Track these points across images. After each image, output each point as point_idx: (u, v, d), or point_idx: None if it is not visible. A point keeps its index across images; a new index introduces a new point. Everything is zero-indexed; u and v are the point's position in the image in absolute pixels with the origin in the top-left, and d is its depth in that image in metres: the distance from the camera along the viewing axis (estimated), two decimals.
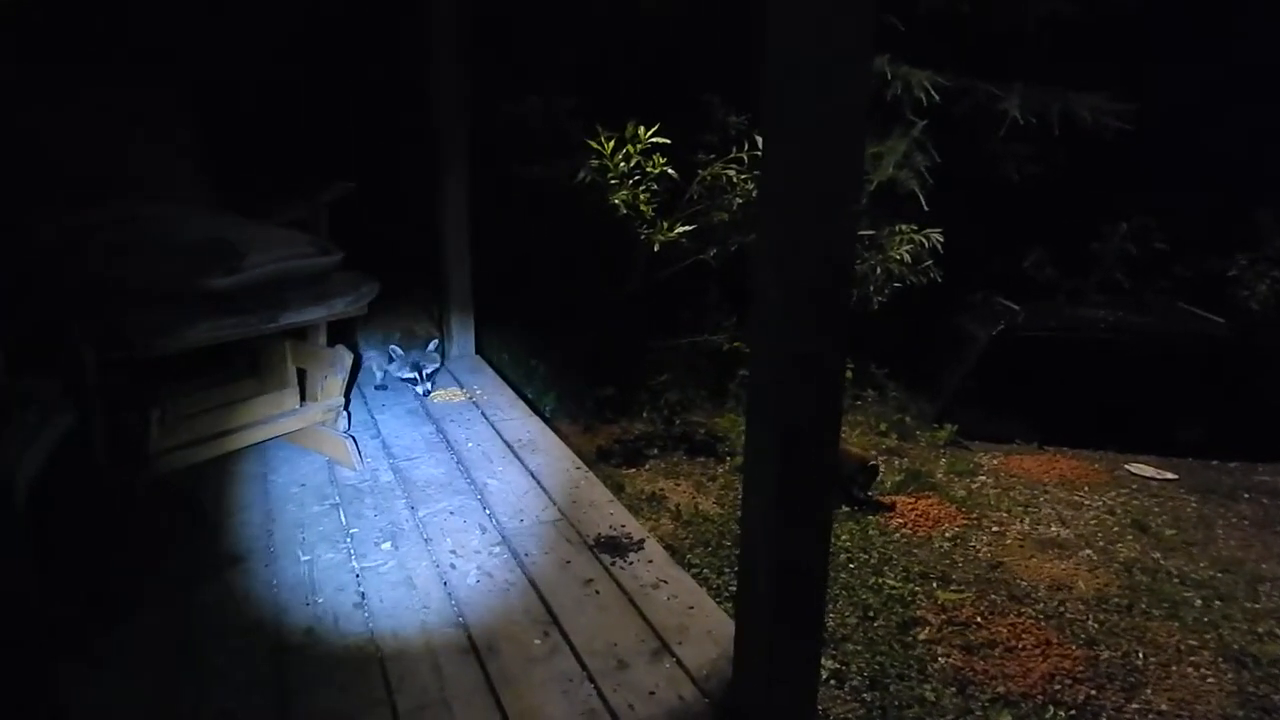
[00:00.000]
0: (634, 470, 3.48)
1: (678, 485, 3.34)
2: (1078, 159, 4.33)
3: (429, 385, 3.30)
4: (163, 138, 2.99)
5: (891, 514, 3.14)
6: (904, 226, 3.73)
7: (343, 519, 2.42)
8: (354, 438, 2.83)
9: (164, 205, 2.69)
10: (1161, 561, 2.92)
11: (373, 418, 3.14)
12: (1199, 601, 2.67)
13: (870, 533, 2.99)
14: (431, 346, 3.33)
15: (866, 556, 2.83)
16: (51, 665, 1.74)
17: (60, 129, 2.73)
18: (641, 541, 2.33)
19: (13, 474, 1.76)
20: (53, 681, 1.71)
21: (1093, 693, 2.22)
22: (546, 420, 3.25)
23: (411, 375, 3.27)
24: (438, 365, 3.35)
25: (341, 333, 2.99)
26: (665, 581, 2.14)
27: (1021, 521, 3.18)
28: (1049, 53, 4.23)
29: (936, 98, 3.89)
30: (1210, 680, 2.30)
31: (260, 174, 3.35)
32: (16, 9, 2.80)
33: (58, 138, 2.71)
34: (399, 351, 3.25)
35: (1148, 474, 3.72)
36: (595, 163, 3.35)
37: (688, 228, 3.46)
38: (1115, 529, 3.16)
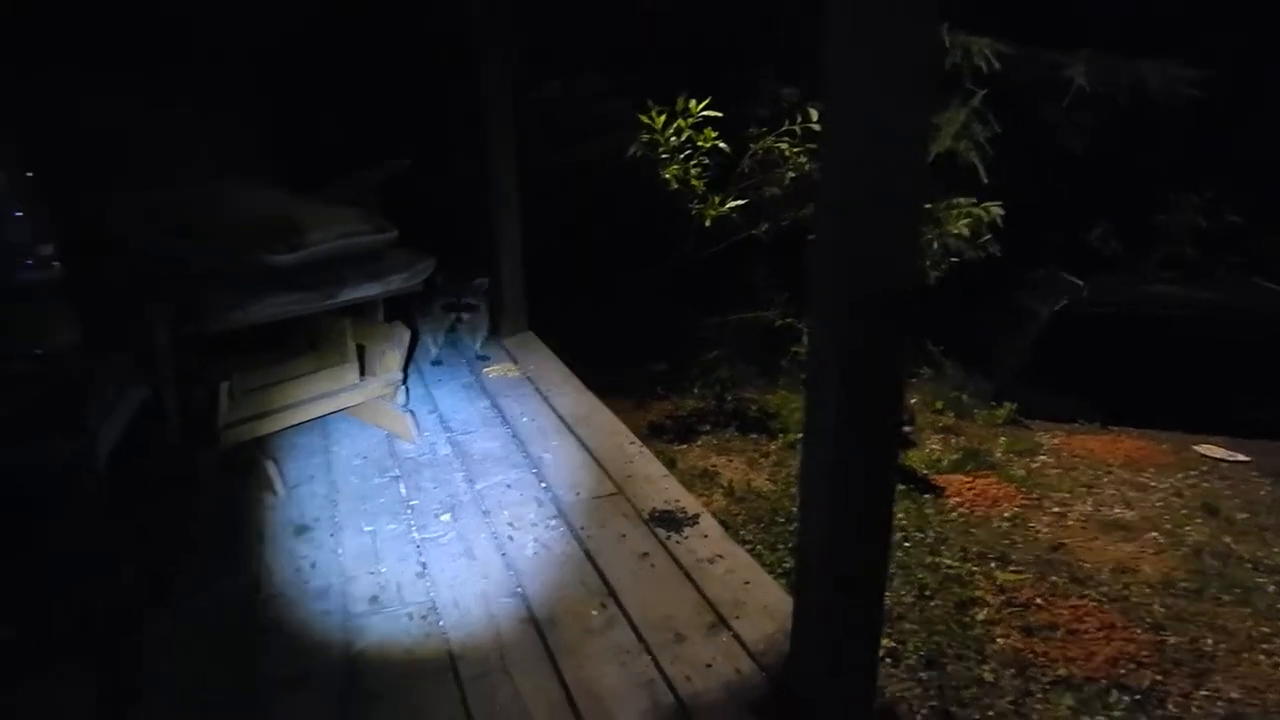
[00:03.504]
0: (686, 446, 3.49)
1: (730, 461, 3.33)
2: (1147, 128, 4.16)
3: (462, 315, 3.28)
4: (230, 122, 3.06)
5: (948, 492, 3.10)
6: (962, 200, 3.63)
7: (403, 491, 2.47)
8: (412, 412, 2.88)
9: (230, 184, 2.75)
10: (1233, 546, 2.83)
11: (430, 393, 3.19)
12: (1272, 588, 2.59)
13: (926, 511, 2.95)
14: (476, 283, 3.29)
15: (923, 535, 2.80)
16: (135, 628, 1.83)
17: (133, 116, 2.81)
18: (696, 516, 2.33)
19: (94, 445, 1.84)
20: (136, 644, 1.79)
21: (1159, 678, 2.17)
22: (599, 396, 3.26)
23: (450, 299, 3.24)
24: (478, 305, 3.31)
25: (398, 310, 3.04)
26: (721, 556, 2.15)
27: (1084, 502, 3.11)
28: (1122, 18, 4.05)
29: (997, 66, 3.76)
30: None
31: (319, 152, 3.40)
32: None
33: (131, 125, 2.79)
34: (441, 282, 3.19)
35: (1218, 455, 3.59)
36: (646, 138, 3.33)
37: (739, 202, 3.42)
38: (1183, 511, 3.06)
